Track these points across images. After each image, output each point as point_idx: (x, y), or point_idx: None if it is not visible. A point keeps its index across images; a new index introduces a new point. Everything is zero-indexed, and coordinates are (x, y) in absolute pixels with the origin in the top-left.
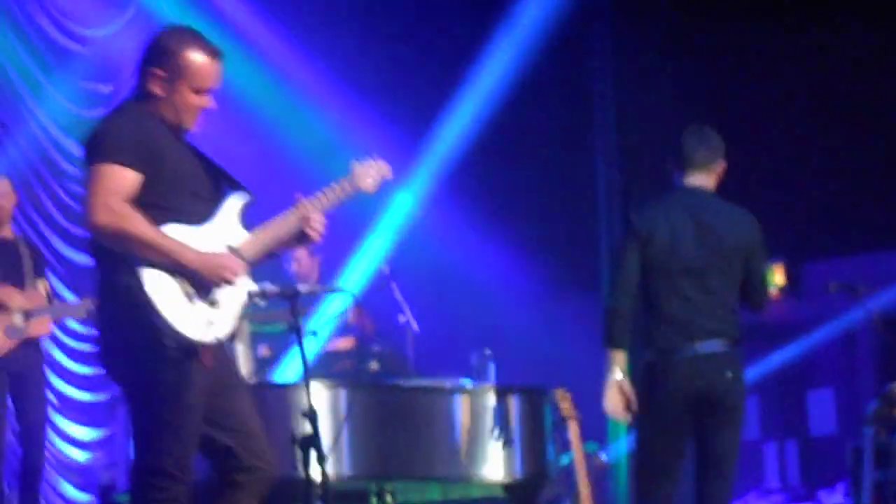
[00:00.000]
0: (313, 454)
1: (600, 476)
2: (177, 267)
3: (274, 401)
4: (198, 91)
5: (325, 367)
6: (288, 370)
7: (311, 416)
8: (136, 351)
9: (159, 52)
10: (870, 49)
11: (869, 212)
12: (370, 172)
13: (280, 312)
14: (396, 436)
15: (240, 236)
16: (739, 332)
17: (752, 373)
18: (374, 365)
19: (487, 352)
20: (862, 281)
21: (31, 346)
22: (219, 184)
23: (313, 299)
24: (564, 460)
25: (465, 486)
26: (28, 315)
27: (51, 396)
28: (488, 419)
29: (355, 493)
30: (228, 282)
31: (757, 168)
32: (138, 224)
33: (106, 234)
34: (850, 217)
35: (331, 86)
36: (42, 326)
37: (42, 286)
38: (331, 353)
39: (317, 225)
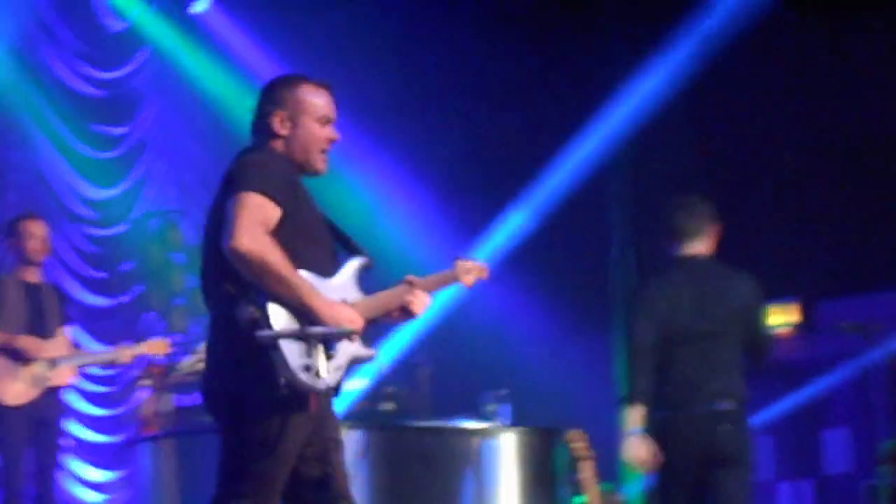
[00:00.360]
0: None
1: None
2: (305, 309)
3: None
4: (320, 121)
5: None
6: None
7: None
8: (247, 384)
9: (275, 97)
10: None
11: (885, 250)
12: (471, 270)
13: None
14: (408, 476)
15: (356, 297)
16: (743, 391)
17: (767, 412)
18: (389, 405)
19: (503, 392)
20: (876, 319)
21: (53, 393)
22: (336, 241)
23: None
24: (578, 501)
25: None
26: (53, 363)
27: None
28: (500, 460)
29: None
30: (348, 335)
31: (773, 207)
32: (279, 257)
33: (247, 260)
34: (865, 255)
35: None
36: (66, 375)
37: (67, 333)
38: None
39: (421, 302)
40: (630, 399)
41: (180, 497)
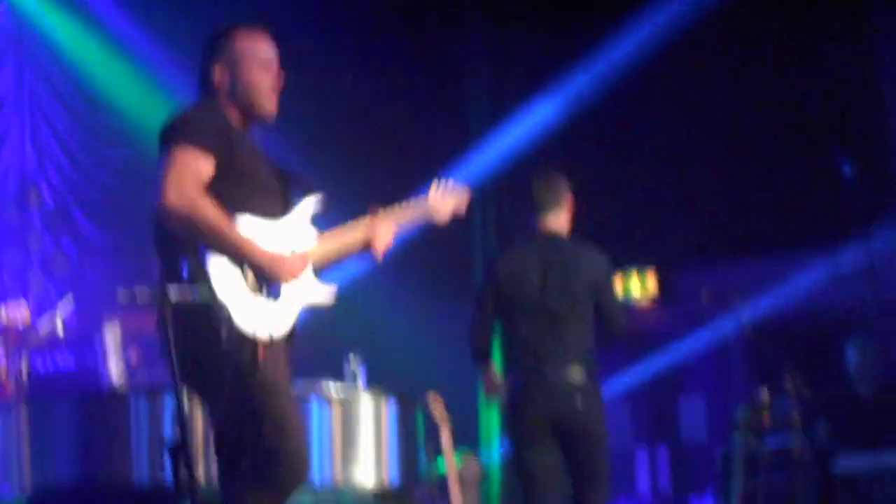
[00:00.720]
0: (183, 460)
1: (474, 480)
2: (241, 260)
3: (144, 407)
4: (261, 65)
5: None
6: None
7: (182, 421)
8: (194, 344)
9: (212, 49)
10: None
11: (741, 219)
12: (446, 197)
13: (151, 316)
14: None
15: (308, 240)
16: (592, 363)
17: (624, 380)
18: None
19: (358, 356)
20: (734, 289)
21: None
22: (287, 183)
23: None
24: (439, 465)
25: (336, 492)
26: None
27: None
28: (360, 425)
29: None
30: (286, 279)
31: (630, 175)
32: (210, 210)
33: (176, 217)
34: (722, 224)
35: None
36: None
37: None
38: None
39: (383, 236)
40: (476, 357)
41: (30, 463)
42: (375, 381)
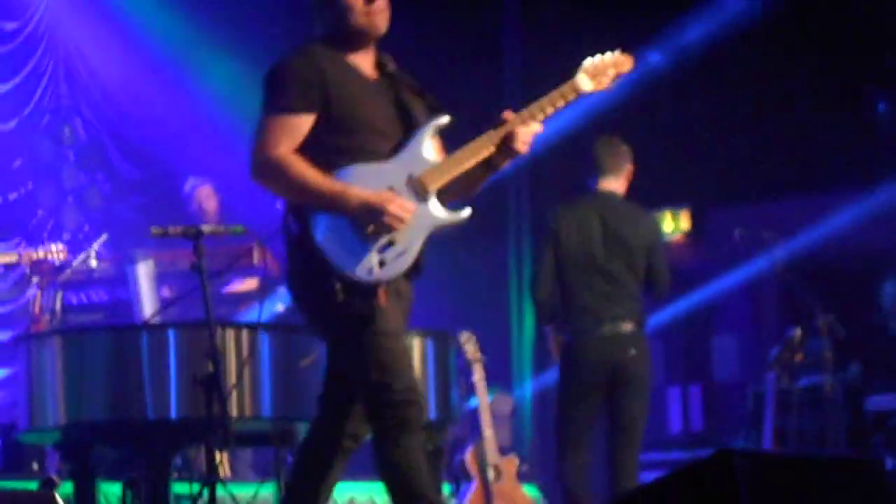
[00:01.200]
0: (216, 395)
1: (506, 418)
2: (337, 211)
3: (177, 341)
4: None
5: (229, 307)
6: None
7: (214, 357)
8: (309, 294)
9: None
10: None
11: (775, 159)
12: (605, 70)
13: (184, 252)
14: (301, 377)
15: (427, 164)
16: (643, 317)
17: (657, 318)
18: (279, 306)
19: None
20: (767, 227)
21: None
22: (412, 114)
23: (217, 239)
24: (472, 402)
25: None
26: None
27: None
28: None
29: (260, 434)
30: (389, 225)
31: (663, 116)
32: (295, 170)
33: (265, 182)
34: (756, 163)
35: None
36: None
37: None
38: (235, 294)
39: (526, 137)
40: (543, 323)
41: (65, 395)
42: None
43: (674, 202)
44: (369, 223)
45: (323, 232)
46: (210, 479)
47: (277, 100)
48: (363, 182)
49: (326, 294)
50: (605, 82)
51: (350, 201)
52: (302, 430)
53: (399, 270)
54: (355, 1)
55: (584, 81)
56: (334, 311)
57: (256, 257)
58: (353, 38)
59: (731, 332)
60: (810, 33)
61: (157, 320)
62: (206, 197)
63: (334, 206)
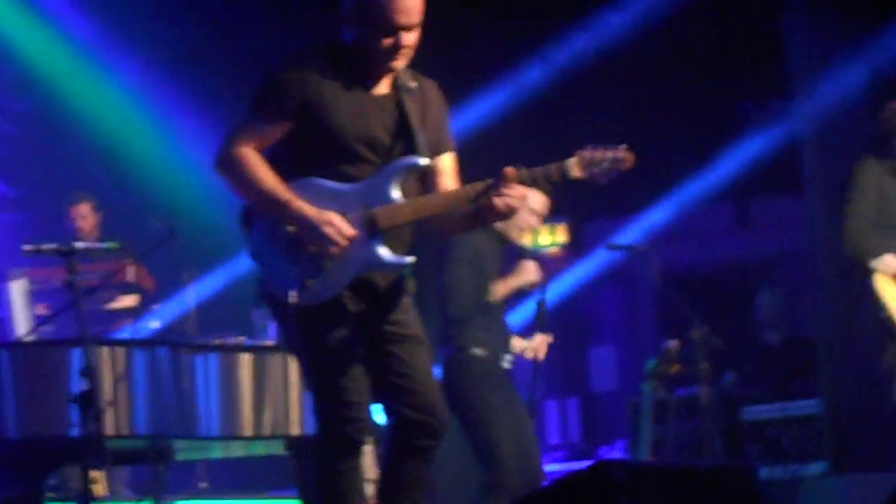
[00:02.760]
0: (90, 413)
1: None
2: (281, 218)
3: (52, 359)
4: (383, 30)
5: (105, 325)
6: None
7: (89, 374)
8: (262, 299)
9: None
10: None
11: (653, 173)
12: (600, 162)
13: (60, 269)
14: (176, 394)
15: (388, 201)
16: None
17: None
18: (154, 323)
19: (266, 312)
20: (643, 240)
21: None
22: (408, 143)
23: (92, 256)
24: None
25: (246, 443)
26: None
27: None
28: (268, 377)
29: (135, 451)
30: (322, 246)
31: (542, 131)
32: (252, 169)
33: (222, 173)
34: (631, 177)
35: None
36: None
37: None
38: (111, 311)
39: (509, 197)
40: None
41: None
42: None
43: (551, 216)
44: (305, 240)
45: (261, 240)
46: (85, 498)
47: (257, 101)
48: (315, 198)
49: (274, 307)
50: (598, 174)
51: (292, 212)
52: (179, 447)
53: (321, 299)
54: (384, 44)
55: (574, 168)
56: (282, 324)
57: (131, 274)
58: (366, 62)
59: (608, 344)
60: (683, 48)
61: (30, 338)
62: (83, 214)
63: (277, 212)
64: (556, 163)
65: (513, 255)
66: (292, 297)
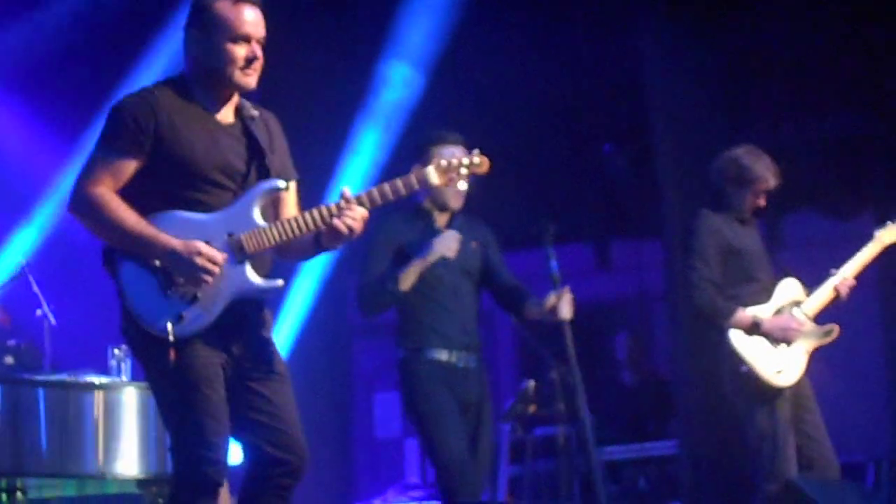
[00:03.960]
0: None
1: None
2: (144, 256)
3: None
4: (234, 40)
5: None
6: None
7: None
8: (125, 338)
9: (192, 13)
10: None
11: (511, 213)
12: (457, 168)
13: None
14: (28, 431)
15: (251, 226)
16: None
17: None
18: (8, 359)
19: (123, 348)
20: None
21: None
22: (261, 169)
23: None
24: None
25: (100, 482)
26: None
27: None
28: (123, 415)
29: None
30: (193, 277)
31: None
32: (110, 209)
33: (78, 219)
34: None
35: None
36: None
37: None
38: None
39: (348, 219)
40: None
41: None
42: (139, 373)
43: None
44: (175, 273)
45: (128, 278)
46: None
47: (107, 139)
48: (179, 231)
49: (137, 343)
50: (457, 179)
51: (157, 247)
52: (30, 484)
53: (197, 329)
54: (237, 55)
55: (433, 175)
56: (145, 360)
57: None
58: (216, 84)
59: None
60: (546, 91)
61: None
62: None
63: (142, 249)
64: (410, 174)
65: None
66: (169, 330)
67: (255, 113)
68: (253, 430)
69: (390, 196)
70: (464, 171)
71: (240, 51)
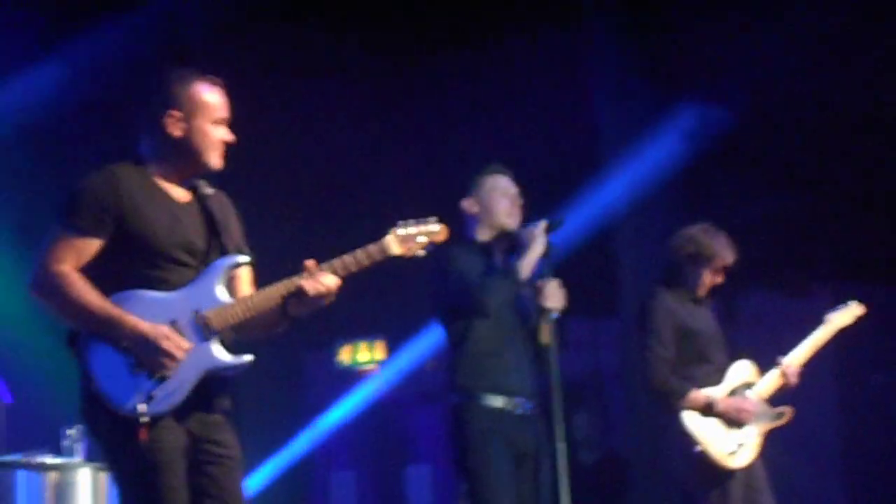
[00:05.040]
0: None
1: None
2: (109, 339)
3: None
4: (215, 123)
5: None
6: None
7: None
8: (87, 420)
9: (167, 94)
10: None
11: None
12: (415, 237)
13: None
14: None
15: (216, 303)
16: None
17: (352, 447)
18: None
19: (78, 428)
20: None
21: None
22: (222, 243)
23: None
24: None
25: None
26: None
27: None
28: (76, 495)
29: None
30: (160, 363)
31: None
32: (73, 289)
33: (41, 301)
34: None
35: None
36: None
37: None
38: None
39: (319, 284)
40: None
41: None
42: (94, 453)
43: (370, 333)
44: (140, 356)
45: (94, 359)
46: None
47: (69, 218)
48: (143, 310)
49: (100, 424)
50: (415, 248)
51: (124, 329)
52: None
53: (168, 408)
54: (218, 137)
55: (393, 245)
56: (107, 442)
57: None
58: (186, 164)
59: (426, 462)
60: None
61: None
62: None
63: (107, 331)
64: (370, 245)
65: None
66: (140, 409)
67: (210, 191)
68: None
69: (353, 268)
70: (423, 239)
71: (220, 132)
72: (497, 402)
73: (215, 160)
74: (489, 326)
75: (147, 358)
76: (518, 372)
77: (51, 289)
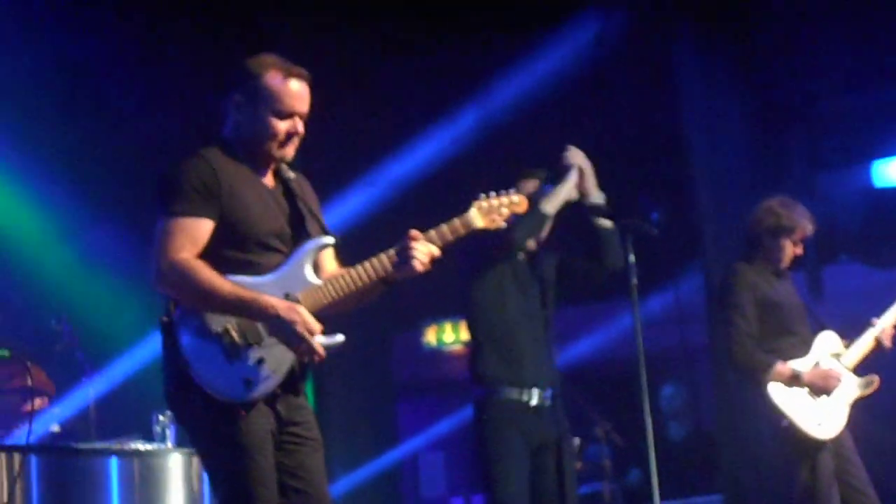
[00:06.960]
0: None
1: None
2: (247, 315)
3: None
4: (278, 114)
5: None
6: None
7: None
8: (175, 405)
9: (237, 75)
10: None
11: None
12: (498, 209)
13: None
14: (70, 498)
15: (307, 284)
16: None
17: (438, 428)
18: (55, 426)
19: (168, 414)
20: None
21: None
22: (306, 227)
23: None
24: None
25: None
26: None
27: None
28: (168, 481)
29: None
30: (299, 335)
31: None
32: (203, 275)
33: (169, 291)
34: None
35: None
36: None
37: None
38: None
39: (419, 252)
40: None
41: None
42: (183, 439)
43: (455, 314)
44: (279, 333)
45: (191, 347)
46: None
47: (175, 204)
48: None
49: (192, 410)
50: (499, 220)
51: (266, 309)
52: None
53: (266, 391)
54: (278, 130)
55: (477, 218)
56: (199, 427)
57: (33, 378)
58: (256, 151)
59: None
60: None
61: None
62: None
63: (247, 312)
64: (454, 219)
65: None
66: (242, 393)
67: (292, 174)
68: (285, 493)
69: (445, 238)
70: (505, 211)
71: (281, 126)
72: (513, 393)
73: (276, 152)
74: (506, 318)
75: (286, 334)
76: (534, 363)
77: (176, 279)
